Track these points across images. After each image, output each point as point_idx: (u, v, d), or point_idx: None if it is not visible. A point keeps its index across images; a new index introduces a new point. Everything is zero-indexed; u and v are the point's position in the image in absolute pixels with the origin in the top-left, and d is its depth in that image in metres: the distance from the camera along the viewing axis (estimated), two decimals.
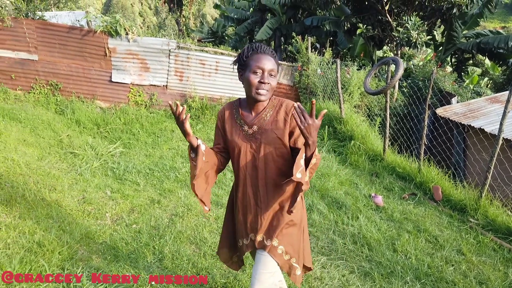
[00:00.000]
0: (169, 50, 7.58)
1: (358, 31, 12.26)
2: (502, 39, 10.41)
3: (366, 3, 10.59)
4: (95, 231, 3.23)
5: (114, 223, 3.47)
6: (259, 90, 1.69)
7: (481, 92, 10.78)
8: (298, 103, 1.52)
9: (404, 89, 8.61)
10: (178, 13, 22.49)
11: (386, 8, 9.99)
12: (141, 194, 4.19)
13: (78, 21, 7.41)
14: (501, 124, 4.03)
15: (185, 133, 1.70)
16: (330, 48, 9.60)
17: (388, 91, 5.57)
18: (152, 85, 7.74)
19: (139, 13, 52.96)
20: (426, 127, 5.24)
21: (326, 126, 6.92)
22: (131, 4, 54.01)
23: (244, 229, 1.92)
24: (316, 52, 9.27)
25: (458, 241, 3.60)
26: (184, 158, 5.62)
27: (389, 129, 5.90)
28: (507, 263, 3.28)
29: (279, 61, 8.76)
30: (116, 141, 6.11)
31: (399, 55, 10.34)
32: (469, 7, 10.09)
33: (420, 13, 10.31)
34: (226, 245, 2.12)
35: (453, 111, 7.34)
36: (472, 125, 6.34)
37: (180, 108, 1.63)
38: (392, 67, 6.76)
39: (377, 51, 13.00)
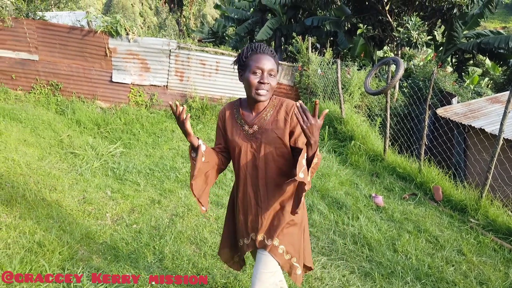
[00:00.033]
0: (170, 50, 7.58)
1: (359, 31, 12.25)
2: (502, 39, 10.40)
3: (367, 3, 10.59)
4: (96, 231, 3.23)
5: (115, 223, 3.47)
6: (259, 91, 1.69)
7: (482, 92, 10.77)
8: (300, 101, 1.51)
9: (404, 89, 8.61)
10: (179, 13, 22.50)
11: (387, 8, 9.98)
12: (141, 194, 4.19)
13: (79, 21, 7.41)
14: (501, 124, 4.03)
15: (186, 133, 1.71)
16: (331, 48, 9.60)
17: (388, 91, 5.57)
18: (152, 85, 7.74)
19: (140, 13, 52.97)
20: (426, 127, 5.23)
21: (327, 126, 6.92)
22: (131, 4, 54.03)
23: (245, 228, 1.92)
24: (317, 52, 9.27)
25: (459, 241, 3.60)
26: (185, 158, 5.62)
27: (389, 129, 5.90)
28: (508, 263, 3.28)
29: (280, 61, 8.76)
30: (116, 141, 6.11)
31: (400, 55, 10.33)
32: (469, 7, 10.08)
33: (421, 13, 10.31)
34: (227, 245, 2.12)
35: (454, 111, 7.33)
36: (472, 125, 6.33)
37: (180, 108, 1.63)
38: (393, 67, 6.75)
39: (377, 51, 12.99)
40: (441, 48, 12.67)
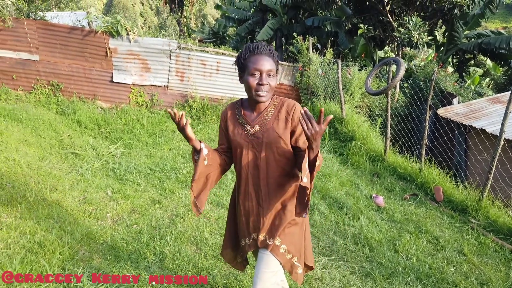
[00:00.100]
0: (170, 51, 7.58)
1: (359, 32, 12.24)
2: (503, 40, 10.39)
3: (367, 3, 10.58)
4: (96, 231, 3.23)
5: (115, 223, 3.47)
6: (259, 92, 1.70)
7: (483, 93, 10.77)
8: (306, 108, 1.51)
9: (405, 89, 8.60)
10: (179, 14, 22.50)
11: (387, 8, 9.98)
12: (142, 194, 4.19)
13: (79, 21, 7.42)
14: (502, 124, 4.02)
15: (187, 138, 1.72)
16: (331, 49, 9.61)
17: (389, 92, 5.56)
18: (153, 85, 7.74)
19: (140, 14, 53.01)
20: (427, 127, 5.23)
21: (327, 127, 6.91)
22: (132, 4, 54.08)
23: (246, 228, 1.93)
24: (317, 53, 9.27)
25: (460, 242, 3.59)
26: (185, 158, 5.62)
27: (390, 130, 5.89)
28: (509, 264, 3.27)
29: (280, 62, 8.76)
30: (117, 142, 6.12)
31: (400, 55, 10.33)
32: (470, 8, 10.07)
33: (422, 14, 10.30)
34: (230, 245, 2.13)
35: (455, 111, 7.32)
36: (473, 125, 6.33)
37: (179, 115, 1.64)
38: (393, 67, 6.74)
39: (378, 52, 12.98)
40: (442, 48, 12.66)
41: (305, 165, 1.59)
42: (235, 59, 1.81)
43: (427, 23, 10.06)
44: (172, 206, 3.95)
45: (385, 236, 3.57)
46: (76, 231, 3.11)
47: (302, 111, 1.51)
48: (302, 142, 1.78)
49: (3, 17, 6.56)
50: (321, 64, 8.27)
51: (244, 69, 1.73)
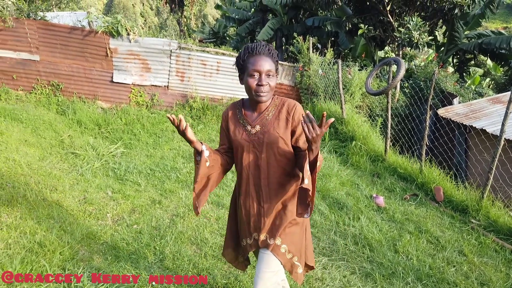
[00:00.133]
0: (171, 51, 7.58)
1: (360, 32, 12.25)
2: (504, 40, 10.38)
3: (368, 3, 10.58)
4: (96, 231, 3.23)
5: (115, 223, 3.47)
6: (258, 93, 1.71)
7: (483, 93, 10.76)
8: (308, 112, 1.52)
9: (405, 89, 8.60)
10: (180, 14, 22.49)
11: (388, 8, 9.98)
12: (142, 194, 4.19)
13: (80, 21, 7.41)
14: (503, 125, 4.02)
15: (188, 141, 1.74)
16: (332, 49, 9.62)
17: (389, 92, 5.56)
18: (153, 85, 7.74)
19: (141, 14, 53.00)
20: (427, 127, 5.23)
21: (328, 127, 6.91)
22: (132, 4, 54.09)
23: (247, 228, 1.93)
24: (318, 53, 9.27)
25: (460, 242, 3.59)
26: (185, 158, 5.62)
27: (390, 130, 5.89)
28: (509, 264, 3.27)
29: (281, 62, 8.76)
30: (117, 142, 6.12)
31: (401, 55, 10.32)
32: (470, 8, 10.06)
33: (422, 14, 10.30)
34: (231, 245, 2.14)
35: (455, 111, 7.32)
36: (473, 125, 6.32)
37: (178, 119, 1.65)
38: (394, 67, 6.73)
39: (378, 52, 12.98)
40: (442, 48, 12.66)
41: (306, 166, 1.61)
42: (235, 59, 1.82)
43: (427, 23, 10.05)
44: (172, 206, 3.95)
45: (386, 236, 3.57)
46: (76, 231, 3.11)
47: (304, 114, 1.53)
48: (302, 142, 1.79)
49: (3, 17, 6.56)
50: (322, 64, 8.26)
51: (243, 70, 1.74)
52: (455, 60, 13.79)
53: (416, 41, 9.31)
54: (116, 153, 5.56)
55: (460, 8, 9.74)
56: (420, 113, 7.44)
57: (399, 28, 9.89)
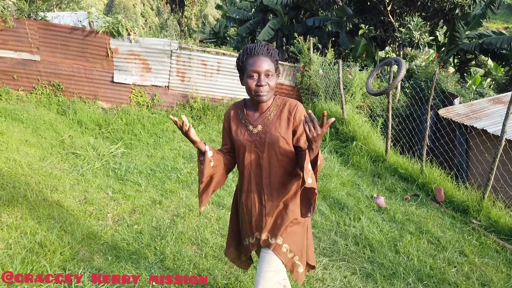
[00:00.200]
0: (171, 51, 7.58)
1: (360, 32, 12.23)
2: (504, 40, 10.36)
3: (368, 3, 10.57)
4: (97, 231, 3.22)
5: (116, 223, 3.47)
6: (258, 93, 1.72)
7: (484, 93, 10.74)
8: (310, 111, 1.53)
9: (406, 89, 8.59)
10: (180, 14, 22.51)
11: (389, 8, 9.97)
12: (142, 194, 4.19)
13: (80, 21, 7.41)
14: (503, 125, 4.02)
15: (192, 142, 1.75)
16: (332, 49, 9.61)
17: (390, 92, 5.55)
18: (154, 85, 7.74)
19: (141, 14, 53.04)
20: (428, 128, 5.22)
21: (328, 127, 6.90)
22: (133, 4, 54.11)
23: (249, 227, 1.94)
24: (318, 53, 9.26)
25: (461, 242, 3.58)
26: (186, 158, 5.62)
27: (391, 130, 5.89)
28: (510, 264, 3.26)
29: (281, 62, 8.76)
30: (117, 142, 6.12)
31: (402, 55, 10.32)
32: (471, 8, 10.05)
33: (423, 14, 10.29)
34: (233, 244, 2.15)
35: (456, 112, 7.31)
36: (474, 126, 6.31)
37: (181, 121, 1.67)
38: (395, 67, 6.73)
39: (379, 52, 12.97)
40: (443, 48, 12.64)
41: (308, 166, 1.62)
42: (236, 61, 1.83)
43: (428, 23, 10.05)
44: (172, 206, 3.95)
45: (386, 237, 3.57)
46: (77, 231, 3.10)
47: (306, 114, 1.54)
48: (303, 142, 1.79)
49: (4, 18, 6.56)
50: (322, 64, 8.26)
51: (243, 71, 1.76)
52: (456, 60, 13.77)
53: (416, 41, 9.30)
54: (117, 153, 5.56)
55: (461, 8, 9.73)
56: (421, 113, 7.43)
57: (399, 28, 9.88)
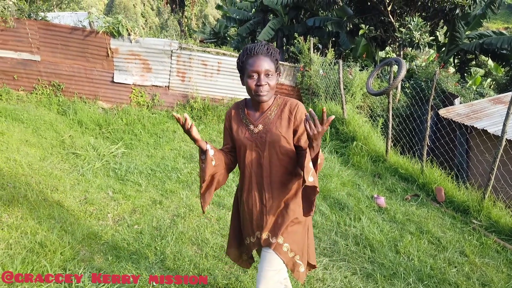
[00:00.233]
0: (171, 51, 7.58)
1: (361, 32, 12.22)
2: (505, 40, 10.36)
3: (369, 3, 10.57)
4: (97, 231, 3.22)
5: (116, 223, 3.47)
6: (258, 93, 1.73)
7: (484, 93, 10.73)
8: (311, 109, 1.54)
9: (406, 90, 8.59)
10: (180, 14, 22.50)
11: (389, 8, 9.97)
12: (143, 194, 4.19)
13: (81, 21, 7.41)
14: (504, 125, 4.01)
15: (193, 140, 1.75)
16: (332, 49, 9.59)
17: (390, 92, 5.55)
18: (154, 85, 7.74)
19: (141, 14, 53.07)
20: (429, 128, 5.22)
21: (329, 127, 6.90)
22: (133, 5, 54.14)
23: (250, 227, 1.95)
24: (318, 53, 9.26)
25: (461, 242, 3.58)
26: (186, 159, 5.62)
27: (391, 130, 5.88)
28: (511, 265, 3.26)
29: (281, 62, 8.75)
30: (118, 142, 6.12)
31: (402, 56, 10.31)
32: (472, 8, 10.05)
33: (423, 14, 10.29)
34: (234, 244, 2.15)
35: (456, 112, 7.31)
36: (475, 126, 6.31)
37: (183, 119, 1.67)
38: (395, 68, 6.73)
39: (379, 52, 12.96)
40: (444, 48, 12.64)
41: (309, 164, 1.63)
42: (236, 61, 1.84)
43: (428, 23, 10.04)
44: (173, 206, 3.95)
45: (387, 237, 3.56)
46: (77, 231, 3.10)
47: (307, 113, 1.55)
48: (304, 142, 1.80)
49: (4, 18, 6.56)
50: (322, 65, 8.26)
51: (243, 71, 1.76)
52: (456, 61, 13.77)
53: (417, 41, 9.30)
54: (117, 153, 5.56)
55: (461, 9, 9.72)
56: (421, 114, 7.43)
57: (400, 29, 9.88)
